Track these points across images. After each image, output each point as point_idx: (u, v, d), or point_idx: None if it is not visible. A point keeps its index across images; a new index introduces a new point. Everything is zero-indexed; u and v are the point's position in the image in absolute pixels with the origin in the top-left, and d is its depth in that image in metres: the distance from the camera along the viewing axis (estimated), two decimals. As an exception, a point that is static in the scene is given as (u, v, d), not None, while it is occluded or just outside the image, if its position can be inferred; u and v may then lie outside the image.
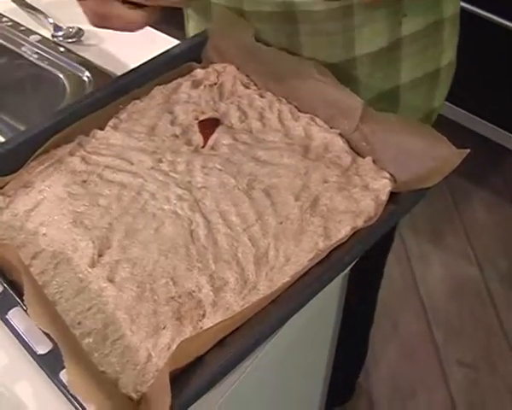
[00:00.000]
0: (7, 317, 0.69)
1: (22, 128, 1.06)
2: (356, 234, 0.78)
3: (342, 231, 0.78)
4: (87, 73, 1.03)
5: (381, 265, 1.44)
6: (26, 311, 0.69)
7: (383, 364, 1.77)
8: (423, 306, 1.90)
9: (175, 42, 1.05)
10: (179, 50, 0.96)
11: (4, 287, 0.71)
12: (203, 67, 0.99)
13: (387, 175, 0.84)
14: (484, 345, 1.78)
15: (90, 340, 0.70)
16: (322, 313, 1.04)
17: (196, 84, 0.97)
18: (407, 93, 1.05)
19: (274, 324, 0.70)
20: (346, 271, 0.82)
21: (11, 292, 0.71)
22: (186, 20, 1.12)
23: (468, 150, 0.80)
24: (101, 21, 0.81)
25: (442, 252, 2.04)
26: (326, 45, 0.97)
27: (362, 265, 0.87)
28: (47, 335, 0.66)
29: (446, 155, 0.81)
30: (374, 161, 0.86)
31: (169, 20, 1.11)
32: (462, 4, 1.07)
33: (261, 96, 0.95)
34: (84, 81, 1.03)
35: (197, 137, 0.90)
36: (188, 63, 0.98)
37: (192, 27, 1.11)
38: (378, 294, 1.48)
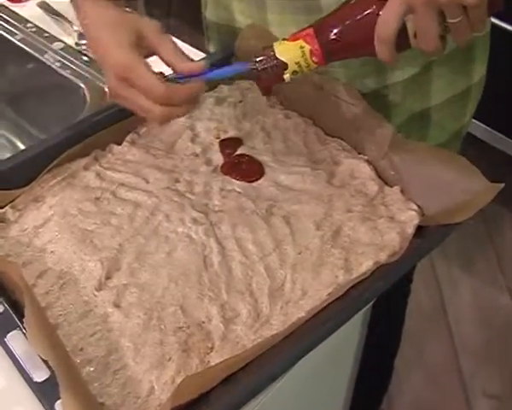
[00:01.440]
0: (5, 339, 0.66)
1: (42, 136, 1.03)
2: (378, 269, 0.73)
3: (364, 265, 0.74)
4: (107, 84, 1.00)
5: (405, 295, 1.39)
6: (25, 334, 0.66)
7: (407, 390, 1.70)
8: (450, 332, 1.84)
9: (200, 54, 1.01)
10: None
11: (5, 307, 0.68)
12: (228, 84, 0.95)
13: (415, 207, 0.80)
14: (511, 376, 1.71)
15: (91, 368, 0.66)
16: (343, 347, 0.99)
17: (220, 101, 0.93)
18: (438, 113, 1.00)
19: (285, 363, 0.66)
20: (366, 308, 0.77)
21: (11, 313, 0.67)
22: (206, 40, 1.09)
23: (503, 184, 0.75)
24: (120, 87, 0.74)
25: (472, 278, 1.97)
26: (359, 75, 0.92)
27: (386, 296, 0.83)
28: (46, 361, 0.63)
29: (479, 189, 0.76)
30: (401, 191, 0.82)
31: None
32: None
33: (286, 117, 0.91)
34: (105, 92, 1.00)
35: (217, 157, 0.87)
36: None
37: (212, 48, 1.08)
38: (403, 326, 1.43)
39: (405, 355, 1.62)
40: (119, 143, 0.88)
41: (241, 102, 0.94)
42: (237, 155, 0.86)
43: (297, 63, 0.71)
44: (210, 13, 1.02)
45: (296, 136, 0.89)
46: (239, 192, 0.82)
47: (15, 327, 0.67)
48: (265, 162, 0.86)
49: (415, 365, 1.77)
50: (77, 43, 1.09)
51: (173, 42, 0.75)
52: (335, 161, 0.86)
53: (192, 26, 1.62)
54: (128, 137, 0.88)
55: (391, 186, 0.83)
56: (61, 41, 1.10)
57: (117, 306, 0.71)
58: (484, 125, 2.07)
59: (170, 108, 0.74)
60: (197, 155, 0.87)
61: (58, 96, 1.03)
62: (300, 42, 0.70)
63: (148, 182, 0.83)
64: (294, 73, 0.72)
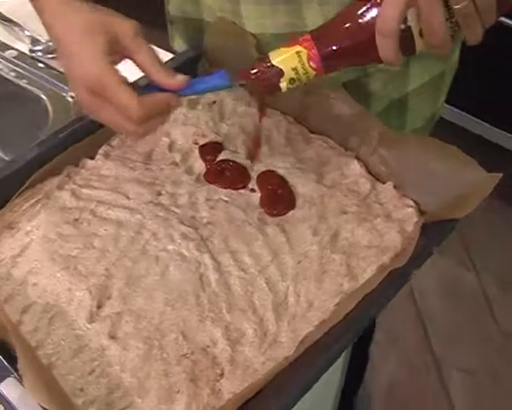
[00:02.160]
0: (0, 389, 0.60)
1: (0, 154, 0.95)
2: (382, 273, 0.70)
3: (368, 270, 0.71)
4: (71, 93, 0.93)
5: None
6: (20, 380, 0.60)
7: (381, 374, 1.70)
8: (420, 314, 1.83)
9: (167, 55, 0.95)
10: (173, 66, 0.87)
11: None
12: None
13: (411, 203, 0.77)
14: (482, 350, 1.74)
15: (95, 408, 0.62)
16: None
17: (193, 104, 0.88)
18: (415, 99, 0.97)
19: (300, 388, 0.62)
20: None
21: (2, 360, 0.62)
22: (171, 38, 1.03)
23: (501, 175, 0.73)
24: (92, 102, 0.67)
25: (441, 260, 1.97)
26: None
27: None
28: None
29: (477, 181, 0.73)
30: (395, 187, 0.79)
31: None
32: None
33: (266, 116, 0.87)
34: (68, 102, 0.93)
35: (198, 165, 0.82)
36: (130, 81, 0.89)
37: (178, 45, 1.02)
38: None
39: (378, 341, 1.61)
40: (92, 158, 0.82)
41: (214, 102, 0.89)
42: (220, 161, 0.82)
43: (294, 69, 0.66)
44: (174, 7, 0.96)
45: (279, 135, 0.85)
46: (226, 201, 0.78)
47: (9, 374, 0.61)
48: (250, 166, 0.81)
49: (387, 349, 1.77)
50: (31, 50, 1.01)
51: (150, 48, 0.68)
52: (323, 161, 0.82)
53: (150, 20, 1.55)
54: (101, 150, 0.82)
55: (383, 183, 0.80)
56: (13, 49, 1.02)
57: (113, 337, 0.66)
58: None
59: (145, 125, 0.67)
60: (177, 164, 0.82)
61: (16, 109, 0.95)
62: (297, 47, 0.66)
63: (128, 198, 0.78)
64: (292, 81, 0.67)
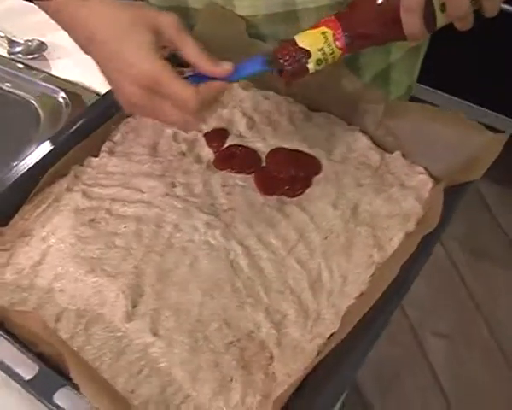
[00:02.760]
0: (55, 401, 0.58)
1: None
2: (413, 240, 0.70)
3: (395, 239, 0.72)
4: (62, 94, 0.90)
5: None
6: (72, 389, 0.58)
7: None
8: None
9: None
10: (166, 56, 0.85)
11: (40, 366, 0.60)
12: (192, 71, 0.88)
13: (422, 170, 0.78)
14: (455, 314, 1.79)
15: (153, 407, 0.60)
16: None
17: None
18: (397, 69, 0.99)
19: (359, 355, 0.62)
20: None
21: (52, 372, 0.59)
22: None
23: (507, 135, 0.75)
24: (147, 99, 0.65)
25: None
26: None
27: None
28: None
29: (484, 143, 0.75)
30: (403, 156, 0.80)
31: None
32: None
33: (265, 98, 0.86)
34: (59, 103, 0.90)
35: (206, 152, 0.81)
36: (177, 69, 0.87)
37: None
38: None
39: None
40: (96, 155, 0.80)
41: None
42: (228, 147, 0.81)
43: (320, 50, 0.66)
44: None
45: (280, 116, 0.84)
46: (242, 186, 0.77)
47: (60, 385, 0.58)
48: (258, 149, 0.81)
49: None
50: (10, 52, 0.96)
51: (194, 39, 0.67)
52: (328, 136, 0.82)
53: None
54: (104, 147, 0.80)
55: (390, 153, 0.81)
56: (-10, 52, 0.98)
57: (155, 334, 0.65)
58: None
59: (200, 115, 0.67)
60: (184, 154, 0.80)
61: (3, 114, 0.90)
62: (322, 28, 0.66)
63: (142, 192, 0.76)
64: (319, 62, 0.67)
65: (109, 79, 0.67)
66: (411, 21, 0.62)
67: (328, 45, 0.66)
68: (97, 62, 0.67)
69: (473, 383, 1.65)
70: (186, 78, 0.66)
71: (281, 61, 0.68)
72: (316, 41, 0.66)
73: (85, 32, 0.66)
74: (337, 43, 0.66)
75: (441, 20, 0.64)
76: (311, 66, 0.67)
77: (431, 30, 0.65)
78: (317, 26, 0.67)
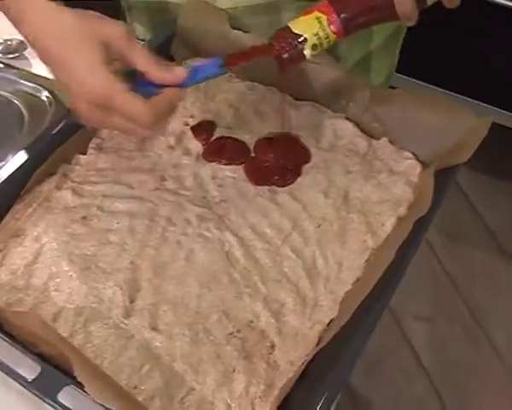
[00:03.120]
0: (59, 400, 0.57)
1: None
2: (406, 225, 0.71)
3: (387, 224, 0.72)
4: (45, 92, 0.88)
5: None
6: (77, 388, 0.58)
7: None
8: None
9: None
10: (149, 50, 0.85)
11: (43, 366, 0.59)
12: (177, 66, 0.88)
13: (410, 155, 0.79)
14: (435, 297, 1.81)
15: (157, 403, 0.60)
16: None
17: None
18: (376, 56, 1.00)
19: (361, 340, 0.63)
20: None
21: (55, 371, 0.59)
22: (129, 23, 1.00)
23: (491, 118, 0.76)
24: (98, 115, 0.64)
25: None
26: None
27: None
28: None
29: (471, 126, 0.76)
30: (390, 142, 0.81)
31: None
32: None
33: (250, 89, 0.86)
34: (43, 102, 0.89)
35: (194, 145, 0.81)
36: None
37: (138, 30, 0.99)
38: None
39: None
40: (84, 153, 0.79)
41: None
42: (217, 139, 0.81)
43: (315, 35, 0.67)
44: None
45: (266, 107, 0.85)
46: (233, 177, 0.77)
47: (64, 384, 0.58)
48: (247, 140, 0.81)
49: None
50: None
51: (144, 48, 0.66)
52: (314, 124, 0.83)
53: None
54: (92, 144, 0.80)
55: (377, 139, 0.82)
56: (-31, 53, 0.96)
57: (155, 329, 0.65)
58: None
59: (156, 125, 0.65)
60: (173, 147, 0.80)
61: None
62: (315, 13, 0.66)
63: (132, 187, 0.76)
64: (314, 47, 0.67)
65: (65, 91, 0.66)
66: (403, 1, 0.63)
67: (323, 30, 0.66)
68: (50, 72, 0.66)
69: (456, 363, 1.68)
70: (146, 84, 0.65)
71: (277, 49, 0.68)
72: (310, 26, 0.67)
73: (35, 44, 0.65)
74: (331, 27, 0.66)
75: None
76: (307, 51, 0.67)
77: (421, 8, 0.65)
78: (310, 12, 0.67)
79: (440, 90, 2.02)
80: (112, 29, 0.63)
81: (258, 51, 0.70)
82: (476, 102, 1.98)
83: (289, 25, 0.68)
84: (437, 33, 1.85)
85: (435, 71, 2.03)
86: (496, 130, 0.77)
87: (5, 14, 0.67)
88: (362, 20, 0.67)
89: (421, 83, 2.05)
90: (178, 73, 0.66)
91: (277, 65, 0.70)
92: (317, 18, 0.66)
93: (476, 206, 2.00)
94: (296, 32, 0.67)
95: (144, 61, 0.64)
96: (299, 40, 0.67)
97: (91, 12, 0.65)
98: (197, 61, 0.80)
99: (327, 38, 0.67)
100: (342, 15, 0.66)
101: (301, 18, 0.68)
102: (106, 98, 0.62)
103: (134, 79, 0.65)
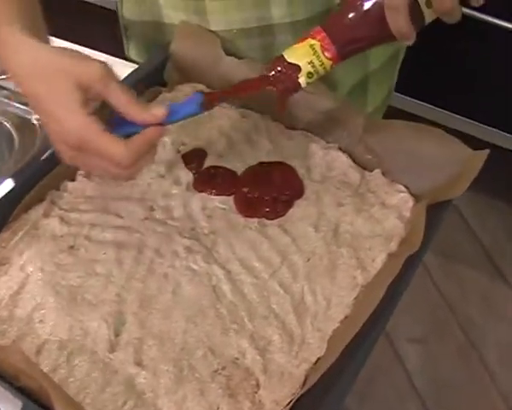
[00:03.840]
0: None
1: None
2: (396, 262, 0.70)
3: (378, 260, 0.72)
4: (35, 115, 0.87)
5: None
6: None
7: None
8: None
9: (130, 66, 0.91)
10: (139, 77, 0.84)
11: (24, 402, 0.58)
12: (169, 91, 0.88)
13: (402, 188, 0.78)
14: (429, 318, 1.80)
15: (138, 443, 0.59)
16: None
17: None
18: (374, 78, 0.99)
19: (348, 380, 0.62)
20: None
21: (36, 407, 0.58)
22: (126, 43, 0.99)
23: (488, 151, 0.76)
24: (77, 157, 0.64)
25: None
26: None
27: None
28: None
29: (464, 160, 0.76)
30: (383, 174, 0.80)
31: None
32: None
33: (242, 117, 0.86)
34: (33, 125, 0.88)
35: (184, 174, 0.80)
36: (153, 88, 0.86)
37: (135, 50, 0.99)
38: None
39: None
40: (73, 179, 0.78)
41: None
42: (208, 168, 0.80)
43: (310, 63, 0.66)
44: (128, 10, 0.92)
45: (259, 135, 0.84)
46: (223, 208, 0.77)
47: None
48: (238, 169, 0.80)
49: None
50: None
51: (122, 86, 0.64)
52: (307, 155, 0.82)
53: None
54: (81, 171, 0.79)
55: (370, 171, 0.81)
56: (-42, 72, 0.95)
57: (139, 364, 0.64)
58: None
59: (135, 166, 0.65)
60: (163, 176, 0.79)
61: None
62: (309, 40, 0.66)
63: (121, 217, 0.75)
64: (309, 75, 0.67)
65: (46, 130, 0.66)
66: (397, 20, 0.62)
67: (318, 57, 0.66)
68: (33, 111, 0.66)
69: (449, 384, 1.67)
70: (126, 124, 0.64)
71: (272, 79, 0.67)
72: (304, 55, 0.67)
73: (13, 79, 0.65)
74: (326, 53, 0.66)
75: (429, 16, 0.64)
76: (302, 80, 0.67)
77: (419, 26, 0.64)
78: (304, 39, 0.67)
79: (437, 109, 2.02)
80: (89, 70, 0.62)
81: (250, 85, 0.70)
82: (473, 122, 1.97)
83: (284, 54, 0.67)
84: (434, 52, 1.85)
85: (432, 90, 2.03)
86: (493, 150, 0.77)
87: None
88: (357, 44, 0.66)
89: (418, 102, 2.05)
90: (156, 112, 0.65)
91: (276, 97, 0.69)
92: (311, 45, 0.66)
93: (471, 225, 1.99)
94: (290, 61, 0.66)
95: (122, 102, 0.63)
96: (293, 69, 0.67)
97: (70, 49, 0.65)
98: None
99: (321, 64, 0.66)
100: (336, 41, 0.65)
101: (295, 46, 0.67)
102: (83, 141, 0.61)
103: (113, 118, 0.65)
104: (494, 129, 1.96)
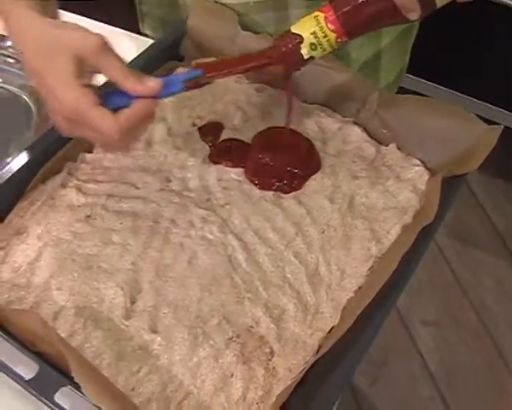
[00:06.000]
0: (56, 400, 0.57)
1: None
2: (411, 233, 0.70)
3: (392, 232, 0.72)
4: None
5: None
6: (74, 389, 0.58)
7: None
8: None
9: (147, 41, 0.92)
10: (158, 50, 0.85)
11: (41, 366, 0.59)
12: (186, 66, 0.88)
13: (418, 162, 0.78)
14: (443, 301, 1.80)
15: (154, 407, 0.60)
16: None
17: (182, 86, 0.86)
18: (387, 55, 0.99)
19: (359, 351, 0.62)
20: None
21: (53, 371, 0.59)
22: (140, 19, 0.99)
23: (502, 126, 0.75)
24: (72, 128, 0.65)
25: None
26: None
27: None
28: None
29: (480, 135, 0.75)
30: (398, 148, 0.80)
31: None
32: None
33: (258, 91, 0.86)
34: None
35: (201, 147, 0.80)
36: (168, 63, 0.87)
37: (149, 25, 0.99)
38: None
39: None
40: (90, 151, 0.79)
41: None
42: (223, 141, 0.80)
43: (313, 33, 0.66)
44: None
45: (274, 109, 0.84)
46: (238, 180, 0.77)
47: (61, 385, 0.58)
48: (254, 143, 0.80)
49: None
50: None
51: (117, 58, 0.64)
52: (323, 129, 0.82)
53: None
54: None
55: (385, 145, 0.81)
56: (-22, 47, 0.95)
57: (155, 331, 0.64)
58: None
59: (128, 138, 0.65)
60: (179, 149, 0.80)
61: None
62: (315, 13, 0.66)
63: (137, 187, 0.76)
64: (312, 46, 0.67)
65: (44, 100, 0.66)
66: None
67: (321, 28, 0.66)
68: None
69: (462, 367, 1.67)
70: (121, 95, 0.64)
71: (275, 52, 0.68)
72: (308, 25, 0.67)
73: (19, 50, 0.66)
74: (329, 25, 0.65)
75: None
76: (304, 51, 0.67)
77: (431, 8, 0.64)
78: (313, 12, 0.67)
79: (450, 91, 2.01)
80: (84, 41, 0.63)
81: (252, 58, 0.70)
82: (487, 104, 1.96)
83: (291, 27, 0.67)
84: (448, 34, 1.84)
85: (445, 72, 2.02)
86: (508, 133, 0.76)
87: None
88: (362, 18, 0.66)
89: (432, 84, 2.03)
90: (150, 84, 0.65)
91: (282, 70, 0.69)
92: (316, 17, 0.66)
93: (487, 209, 1.99)
94: (293, 31, 0.67)
95: (118, 73, 0.64)
96: (296, 39, 0.67)
97: (69, 23, 0.65)
98: (178, 70, 0.80)
99: (325, 36, 0.66)
100: (339, 12, 0.65)
101: (302, 19, 0.67)
102: (76, 112, 0.62)
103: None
104: (509, 112, 1.95)
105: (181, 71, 0.71)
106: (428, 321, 1.74)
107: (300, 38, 0.66)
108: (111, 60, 0.63)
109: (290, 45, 0.67)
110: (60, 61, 0.62)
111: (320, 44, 0.67)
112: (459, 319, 1.75)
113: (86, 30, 0.63)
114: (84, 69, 0.63)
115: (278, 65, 0.69)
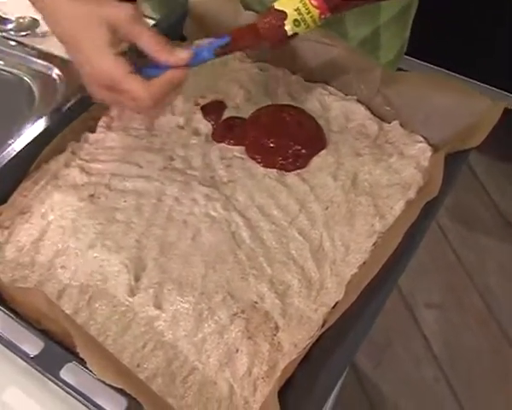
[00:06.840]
0: (61, 376, 0.57)
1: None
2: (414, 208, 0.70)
3: (396, 208, 0.72)
4: (56, 70, 0.88)
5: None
6: (79, 365, 0.58)
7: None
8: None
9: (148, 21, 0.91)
10: (160, 30, 0.84)
11: (46, 343, 0.59)
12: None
13: (421, 138, 0.78)
14: (447, 284, 1.81)
15: (160, 382, 0.60)
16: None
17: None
18: (386, 32, 0.98)
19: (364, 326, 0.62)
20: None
21: (58, 347, 0.59)
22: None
23: (506, 103, 0.75)
24: (107, 96, 0.69)
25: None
26: None
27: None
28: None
29: (483, 110, 0.75)
30: (401, 125, 0.80)
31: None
32: None
33: (261, 70, 0.86)
34: (54, 80, 0.88)
35: (204, 125, 0.80)
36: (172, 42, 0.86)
37: (149, 6, 0.99)
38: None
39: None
40: (93, 131, 0.79)
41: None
42: (226, 119, 0.80)
43: (296, 10, 0.66)
44: None
45: (278, 88, 0.84)
46: (241, 158, 0.77)
47: (66, 361, 0.58)
48: (256, 121, 0.80)
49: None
50: (1, 29, 0.93)
51: (150, 29, 0.68)
52: (325, 106, 0.82)
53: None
54: (101, 122, 0.79)
55: (388, 122, 0.81)
56: (-21, 28, 0.95)
57: (159, 307, 0.65)
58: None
59: (159, 104, 0.69)
60: (182, 127, 0.80)
61: (-3, 95, 0.89)
62: None
63: (141, 166, 0.76)
64: (296, 23, 0.66)
65: (79, 70, 0.69)
66: None
67: (304, 5, 0.65)
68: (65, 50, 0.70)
69: (466, 349, 1.68)
70: (155, 65, 0.67)
71: (257, 26, 0.67)
72: (291, 2, 0.66)
73: (48, 21, 0.69)
74: (312, 1, 0.65)
75: None
76: (288, 27, 0.67)
77: None
78: None
79: (452, 74, 2.00)
80: (119, 11, 0.66)
81: (242, 32, 0.70)
82: (490, 87, 1.95)
83: (275, 3, 0.67)
84: (449, 15, 1.83)
85: (446, 54, 2.01)
86: (510, 114, 0.76)
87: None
88: None
89: (433, 66, 2.03)
90: (182, 55, 0.68)
91: (267, 46, 0.69)
92: None
93: (490, 193, 1.98)
94: (277, 7, 0.66)
95: (150, 44, 0.67)
96: (280, 16, 0.66)
97: None
98: (205, 40, 0.80)
99: (308, 12, 0.66)
100: None
101: None
102: (112, 80, 0.65)
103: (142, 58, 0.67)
104: (510, 94, 1.94)
105: (208, 40, 0.72)
106: (432, 303, 1.74)
107: (284, 15, 0.66)
108: (143, 30, 0.67)
109: (274, 22, 0.67)
110: (94, 30, 0.65)
111: (303, 21, 0.66)
112: (463, 301, 1.76)
113: (117, 1, 0.67)
114: (118, 39, 0.66)
115: (262, 41, 0.69)
